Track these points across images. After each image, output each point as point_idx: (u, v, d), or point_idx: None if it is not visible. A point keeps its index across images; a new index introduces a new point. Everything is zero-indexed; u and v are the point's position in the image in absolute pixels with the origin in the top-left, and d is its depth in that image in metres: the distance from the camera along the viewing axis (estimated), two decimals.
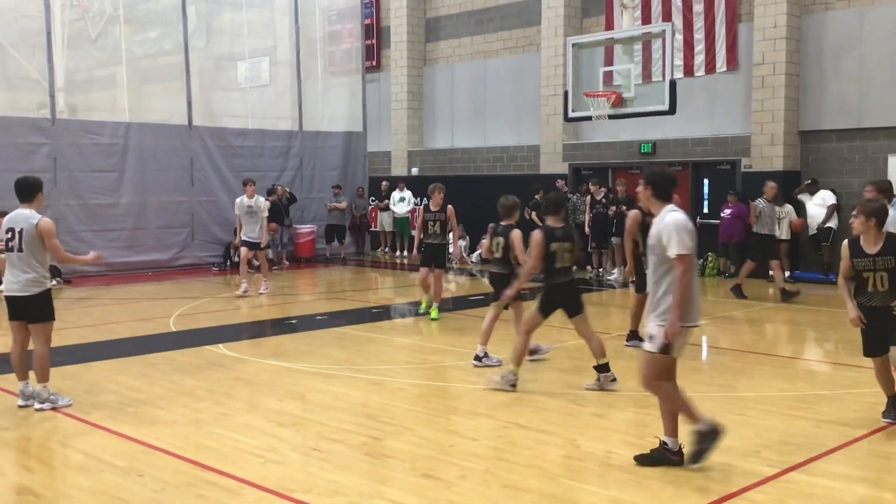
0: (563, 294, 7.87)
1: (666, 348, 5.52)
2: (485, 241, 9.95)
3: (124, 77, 19.14)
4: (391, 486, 5.51)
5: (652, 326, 5.56)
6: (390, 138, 23.61)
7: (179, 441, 6.36)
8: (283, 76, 21.49)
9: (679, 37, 17.41)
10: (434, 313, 11.96)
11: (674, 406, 5.70)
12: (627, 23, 15.43)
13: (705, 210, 17.87)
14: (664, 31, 14.36)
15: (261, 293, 14.58)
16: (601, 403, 7.45)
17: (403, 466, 5.87)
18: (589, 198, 17.19)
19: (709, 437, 5.66)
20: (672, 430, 5.72)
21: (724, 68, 17.43)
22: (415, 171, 23.05)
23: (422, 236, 12.20)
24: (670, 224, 5.46)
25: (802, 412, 7.11)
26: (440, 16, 22.88)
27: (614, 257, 16.75)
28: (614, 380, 7.85)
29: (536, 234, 7.84)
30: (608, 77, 14.58)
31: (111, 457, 5.99)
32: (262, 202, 14.56)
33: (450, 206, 11.98)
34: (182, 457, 5.98)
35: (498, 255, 8.80)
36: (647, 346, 5.66)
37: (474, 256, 20.16)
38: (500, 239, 8.75)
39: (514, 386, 7.76)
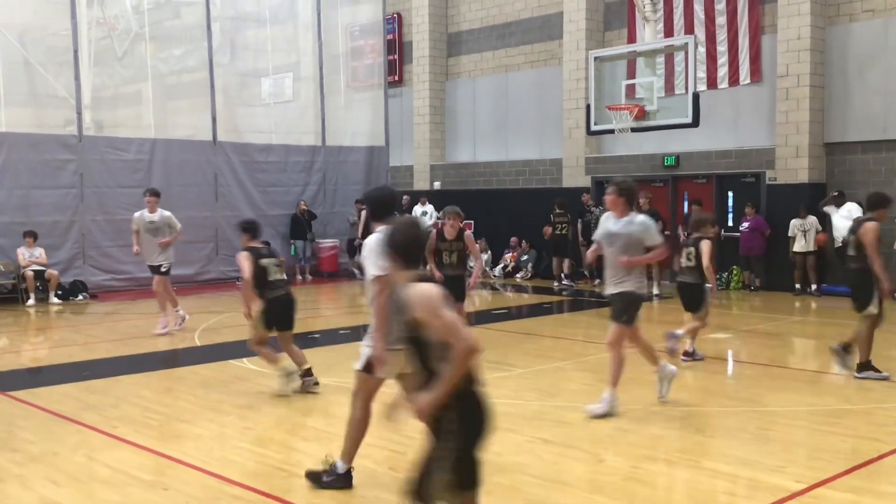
0: (280, 307, 8.28)
1: (368, 367, 5.51)
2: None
3: (150, 94, 19.34)
4: None
5: (362, 346, 5.60)
6: (412, 152, 23.69)
7: (205, 455, 6.39)
8: (306, 92, 21.65)
9: (702, 49, 17.33)
10: None
11: (355, 427, 5.67)
12: (650, 36, 15.39)
13: (729, 223, 17.74)
14: (687, 43, 14.32)
15: (175, 329, 12.21)
16: (626, 418, 7.40)
17: None
18: None
19: (338, 478, 5.60)
20: (348, 454, 5.67)
21: (748, 80, 17.35)
22: (437, 185, 23.10)
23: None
24: (367, 246, 5.47)
25: (830, 427, 7.03)
26: (462, 31, 22.97)
27: None
28: (299, 387, 8.24)
29: (243, 255, 8.30)
30: (630, 90, 14.55)
31: (137, 471, 6.03)
32: (168, 216, 12.22)
33: (467, 233, 9.74)
34: (207, 471, 6.01)
35: (691, 264, 9.48)
36: (355, 364, 5.65)
37: (497, 270, 20.15)
38: (692, 249, 9.44)
39: (317, 385, 8.30)
